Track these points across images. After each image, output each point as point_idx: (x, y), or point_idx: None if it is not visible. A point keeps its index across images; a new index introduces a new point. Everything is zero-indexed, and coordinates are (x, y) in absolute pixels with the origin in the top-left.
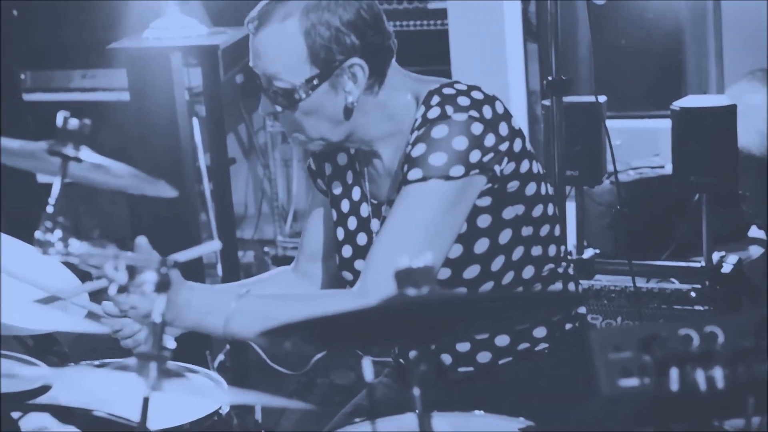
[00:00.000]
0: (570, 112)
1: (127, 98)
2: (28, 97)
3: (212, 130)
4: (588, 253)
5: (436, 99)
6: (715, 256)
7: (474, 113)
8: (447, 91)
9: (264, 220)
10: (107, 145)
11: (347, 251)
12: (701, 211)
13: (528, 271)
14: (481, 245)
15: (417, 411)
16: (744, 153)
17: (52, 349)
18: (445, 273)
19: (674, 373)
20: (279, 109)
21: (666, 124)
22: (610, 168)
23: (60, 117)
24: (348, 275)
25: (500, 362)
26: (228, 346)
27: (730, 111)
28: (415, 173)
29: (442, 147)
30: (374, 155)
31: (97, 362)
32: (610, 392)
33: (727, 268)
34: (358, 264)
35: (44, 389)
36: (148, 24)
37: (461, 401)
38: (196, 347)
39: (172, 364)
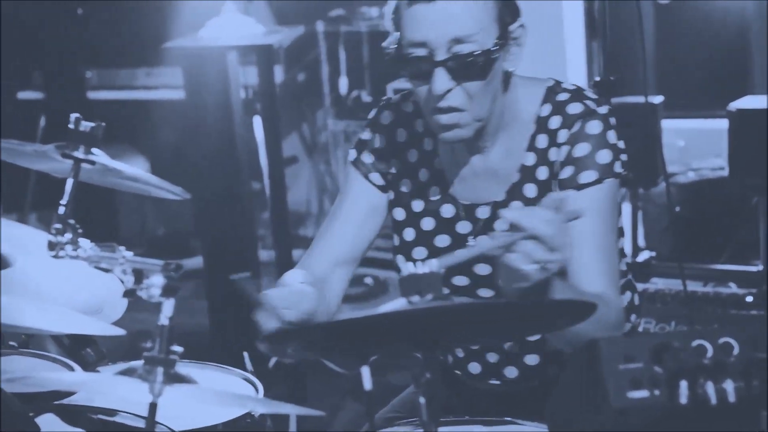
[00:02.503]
0: (620, 113)
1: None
2: (93, 95)
3: (268, 129)
4: (643, 255)
5: (565, 95)
6: None
7: (606, 107)
8: (567, 86)
9: (326, 218)
10: (168, 143)
11: (420, 253)
12: (758, 214)
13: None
14: None
15: (423, 419)
16: None
17: (88, 348)
18: None
19: (683, 386)
20: (462, 82)
21: (727, 125)
22: (669, 169)
23: (72, 119)
24: None
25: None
26: None
27: None
28: (588, 175)
29: (603, 144)
30: (478, 151)
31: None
32: (619, 404)
33: None
34: None
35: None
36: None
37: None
38: (249, 348)
39: (198, 366)
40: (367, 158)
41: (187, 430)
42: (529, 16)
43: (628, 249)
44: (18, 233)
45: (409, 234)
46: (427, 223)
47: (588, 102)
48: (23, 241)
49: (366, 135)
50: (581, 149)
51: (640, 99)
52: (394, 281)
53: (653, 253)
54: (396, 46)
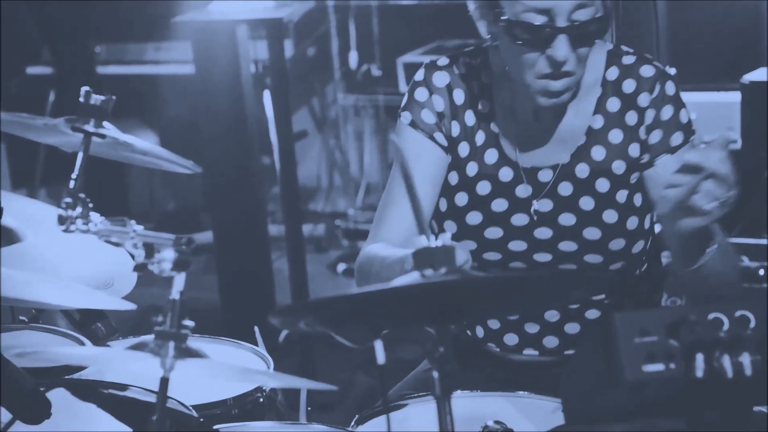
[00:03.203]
0: None
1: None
2: (102, 69)
3: (278, 103)
4: (656, 228)
5: (630, 58)
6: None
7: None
8: (627, 49)
9: (336, 193)
10: (178, 118)
11: (475, 218)
12: None
13: (640, 245)
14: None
15: (436, 393)
16: None
17: (99, 322)
18: (620, 244)
19: (700, 359)
20: (578, 47)
21: (739, 97)
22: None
23: (83, 92)
24: (472, 243)
25: (566, 352)
26: None
27: None
28: (678, 137)
29: (681, 104)
30: (544, 114)
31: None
32: (634, 378)
33: None
34: (489, 232)
35: (81, 367)
36: None
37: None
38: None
39: (210, 341)
40: (429, 118)
41: (197, 404)
42: None
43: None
44: (28, 208)
45: (462, 199)
46: (483, 187)
47: (656, 63)
48: (33, 215)
49: (421, 95)
50: (666, 112)
51: None
52: None
53: None
54: (500, 12)
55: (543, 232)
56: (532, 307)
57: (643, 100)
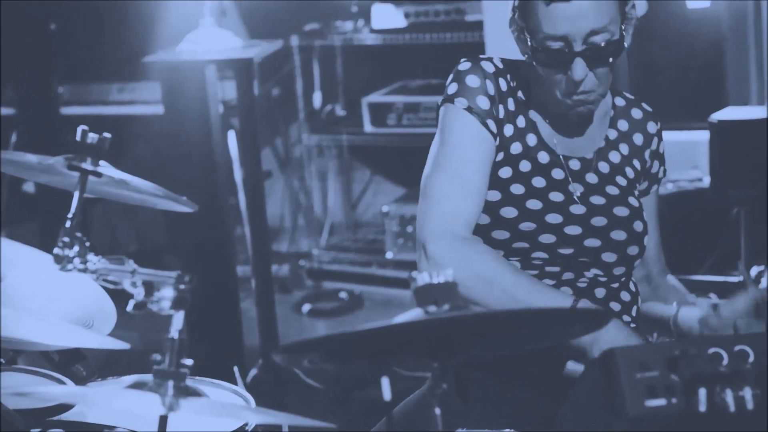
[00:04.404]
0: None
1: (162, 111)
2: (65, 110)
3: (246, 143)
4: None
5: (629, 95)
6: (754, 271)
7: None
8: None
9: (300, 233)
10: (143, 158)
11: (518, 189)
12: (740, 224)
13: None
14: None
15: (438, 429)
16: None
17: (78, 364)
18: (640, 226)
19: (702, 394)
20: (595, 68)
21: (705, 136)
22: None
23: (79, 131)
24: (513, 211)
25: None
26: (261, 360)
27: None
28: (662, 171)
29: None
30: (583, 118)
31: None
32: (636, 413)
33: (766, 283)
34: (530, 203)
35: (67, 406)
36: (184, 37)
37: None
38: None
39: (192, 382)
40: (483, 104)
41: None
42: (507, 29)
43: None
44: (5, 248)
45: (506, 172)
46: (525, 165)
47: (648, 105)
48: (9, 256)
49: (473, 81)
50: (662, 146)
51: None
52: (369, 296)
53: None
54: (528, 38)
55: (577, 209)
56: (537, 343)
57: (651, 127)
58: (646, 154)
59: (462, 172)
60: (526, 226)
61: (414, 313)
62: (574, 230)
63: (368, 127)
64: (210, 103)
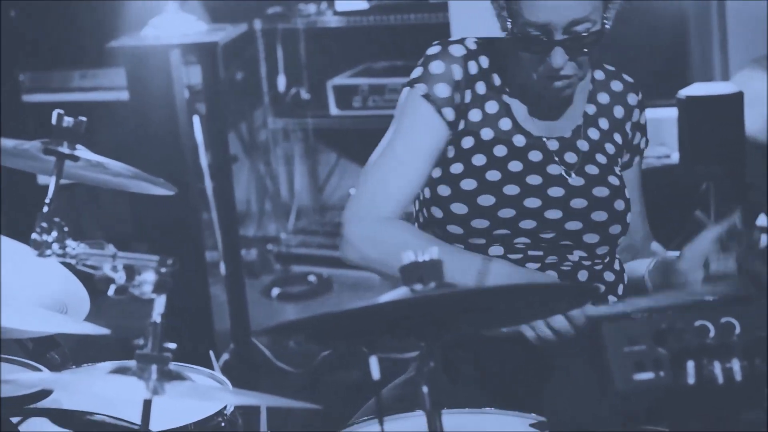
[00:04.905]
0: None
1: (126, 97)
2: (27, 98)
3: (213, 128)
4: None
5: (610, 67)
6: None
7: None
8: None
9: (267, 218)
10: (108, 145)
11: (494, 175)
12: (709, 200)
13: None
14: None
15: (426, 409)
16: (750, 141)
17: (53, 351)
18: (621, 205)
19: (691, 366)
20: (575, 56)
21: (671, 113)
22: None
23: (55, 115)
24: (490, 198)
25: None
26: (232, 345)
27: (737, 98)
28: (644, 141)
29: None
30: (561, 101)
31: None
32: (624, 387)
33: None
34: (508, 189)
35: (44, 394)
36: (147, 22)
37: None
38: (195, 347)
39: (174, 365)
40: (443, 91)
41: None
42: (471, 9)
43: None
44: None
45: (480, 159)
46: (500, 150)
47: (629, 76)
48: None
49: (437, 68)
50: (643, 117)
51: None
52: (338, 279)
53: None
54: (512, 23)
55: (555, 191)
56: (524, 319)
57: (632, 99)
58: (627, 126)
59: (404, 157)
60: (506, 212)
61: (400, 292)
62: (554, 214)
63: (334, 110)
64: (175, 89)
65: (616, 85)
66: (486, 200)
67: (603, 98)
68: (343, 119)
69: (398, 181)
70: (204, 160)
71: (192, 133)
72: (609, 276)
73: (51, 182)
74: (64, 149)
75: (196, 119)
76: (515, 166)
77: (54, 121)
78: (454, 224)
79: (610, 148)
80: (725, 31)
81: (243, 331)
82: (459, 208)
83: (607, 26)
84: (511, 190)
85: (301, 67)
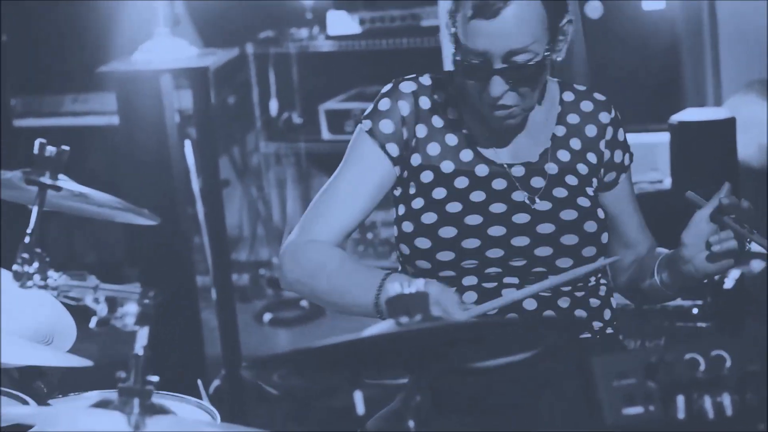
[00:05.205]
0: None
1: (118, 122)
2: (18, 122)
3: (204, 153)
4: None
5: (581, 87)
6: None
7: None
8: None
9: (259, 242)
10: (99, 169)
11: (455, 207)
12: None
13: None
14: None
15: None
16: (743, 166)
17: (39, 380)
18: (593, 227)
19: (681, 401)
20: (516, 86)
21: (664, 138)
22: None
23: (36, 144)
24: (451, 230)
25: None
26: (223, 371)
27: (729, 124)
28: (627, 158)
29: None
30: (513, 125)
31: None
32: (614, 421)
33: (729, 284)
34: (470, 219)
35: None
36: (138, 46)
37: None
38: (185, 374)
39: (159, 396)
40: (387, 127)
41: None
42: None
43: None
44: None
45: (440, 193)
46: (461, 182)
47: (600, 93)
48: None
49: (384, 105)
50: (621, 134)
51: None
52: None
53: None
54: (456, 49)
55: (521, 217)
56: (514, 353)
57: (603, 117)
58: (601, 144)
59: (345, 190)
60: (470, 243)
61: (385, 325)
62: (521, 241)
63: (326, 134)
64: (166, 113)
65: (586, 105)
66: (447, 232)
67: (573, 119)
68: (336, 144)
69: (335, 212)
70: (195, 184)
71: (183, 157)
72: (594, 302)
73: (33, 213)
74: (46, 179)
75: (187, 144)
76: (478, 196)
77: (36, 150)
78: (421, 259)
79: (582, 168)
80: (718, 55)
81: (234, 357)
82: (423, 243)
83: (558, 58)
84: (474, 219)
85: (294, 91)
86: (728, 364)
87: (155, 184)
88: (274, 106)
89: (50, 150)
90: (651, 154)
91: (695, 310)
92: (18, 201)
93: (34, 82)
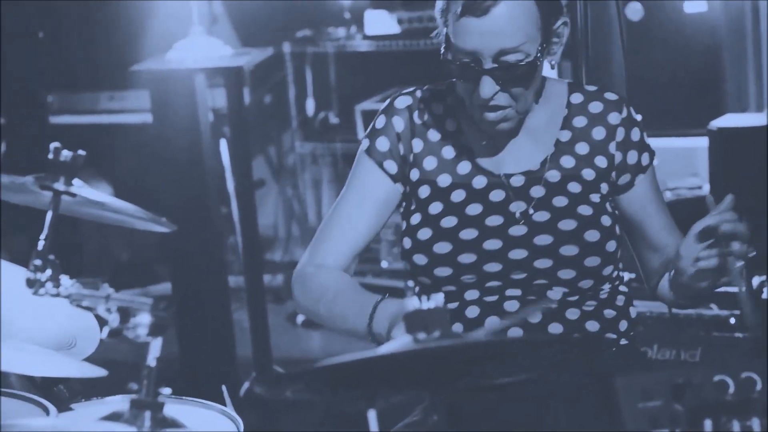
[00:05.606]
0: None
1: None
2: (55, 119)
3: (237, 152)
4: (624, 277)
5: (592, 87)
6: (755, 281)
7: None
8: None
9: (294, 243)
10: (133, 167)
11: (450, 221)
12: None
13: (613, 245)
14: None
15: None
16: None
17: (61, 384)
18: (595, 236)
19: (708, 424)
20: (507, 86)
21: (704, 143)
22: None
23: (51, 148)
24: (446, 245)
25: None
26: (254, 373)
27: None
28: (646, 157)
29: (642, 128)
30: (512, 132)
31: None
32: None
33: (767, 294)
34: (465, 233)
35: None
36: (173, 44)
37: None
38: (215, 375)
39: (179, 402)
40: (383, 145)
41: None
42: None
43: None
44: None
45: (436, 207)
46: (457, 195)
47: (616, 93)
48: None
49: (380, 122)
50: (635, 134)
51: None
52: None
53: (633, 275)
54: (446, 49)
55: (518, 230)
56: (534, 370)
57: (614, 118)
58: (611, 147)
59: (348, 211)
60: (466, 258)
61: (404, 341)
62: (519, 254)
63: (362, 135)
64: (199, 112)
65: (595, 107)
66: (442, 248)
67: (580, 122)
68: None
69: (340, 235)
70: (231, 184)
71: (218, 156)
72: (609, 313)
73: (47, 218)
74: (60, 186)
75: (223, 142)
76: (474, 209)
77: (51, 155)
78: (421, 275)
79: (588, 174)
80: (761, 58)
81: (265, 359)
82: (420, 259)
83: (552, 61)
84: (468, 234)
85: (330, 91)
86: (758, 386)
87: (188, 183)
88: (310, 105)
89: (65, 155)
90: (691, 158)
91: (732, 320)
92: (35, 206)
93: (71, 79)
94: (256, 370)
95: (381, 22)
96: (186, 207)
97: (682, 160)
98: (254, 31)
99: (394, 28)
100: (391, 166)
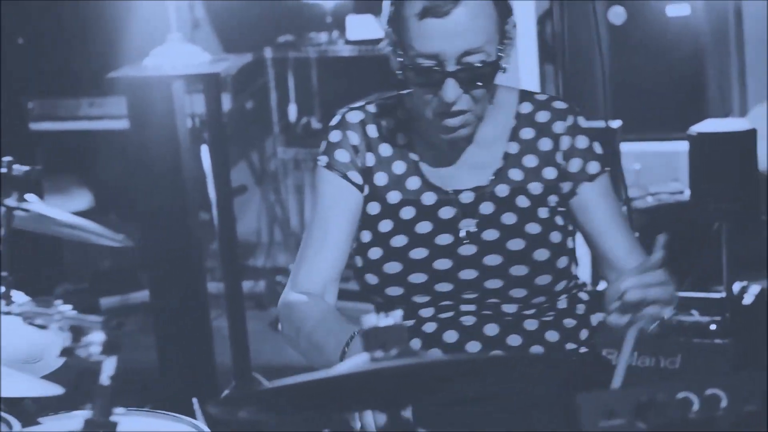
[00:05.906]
0: None
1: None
2: (35, 126)
3: (216, 158)
4: (603, 284)
5: (542, 96)
6: (736, 287)
7: None
8: (536, 93)
9: (276, 248)
10: (113, 174)
11: (400, 241)
12: (721, 239)
13: (564, 261)
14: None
15: None
16: (764, 178)
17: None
18: (544, 255)
19: None
20: (469, 89)
21: (685, 147)
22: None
23: (4, 163)
24: (397, 265)
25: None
26: (233, 382)
27: (749, 136)
28: (594, 166)
29: (593, 136)
30: (461, 144)
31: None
32: None
33: (748, 299)
34: (415, 253)
35: None
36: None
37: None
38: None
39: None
40: (343, 157)
41: None
42: None
43: (587, 277)
44: None
45: (386, 225)
46: (407, 213)
47: (565, 102)
48: None
49: (335, 137)
50: (581, 141)
51: (599, 123)
52: (347, 311)
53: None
54: (401, 54)
55: (467, 249)
56: (494, 390)
57: (558, 127)
58: (558, 157)
59: (321, 230)
60: (416, 278)
61: (360, 359)
62: (469, 274)
63: None
64: (177, 118)
65: (543, 116)
66: (393, 267)
67: (527, 133)
68: None
69: (315, 257)
70: (212, 189)
71: (198, 162)
72: (568, 322)
73: None
74: (12, 202)
75: (204, 148)
76: (423, 227)
77: (4, 168)
78: (373, 294)
79: (535, 187)
80: (744, 62)
81: (245, 367)
82: (371, 279)
83: (503, 64)
84: (419, 253)
85: (313, 96)
86: (724, 404)
87: (167, 190)
88: (292, 111)
89: (18, 169)
90: (673, 163)
91: (713, 326)
92: None
93: (52, 85)
94: (235, 378)
95: (363, 27)
96: (165, 212)
97: (664, 165)
98: (236, 36)
99: (375, 33)
100: (356, 176)
